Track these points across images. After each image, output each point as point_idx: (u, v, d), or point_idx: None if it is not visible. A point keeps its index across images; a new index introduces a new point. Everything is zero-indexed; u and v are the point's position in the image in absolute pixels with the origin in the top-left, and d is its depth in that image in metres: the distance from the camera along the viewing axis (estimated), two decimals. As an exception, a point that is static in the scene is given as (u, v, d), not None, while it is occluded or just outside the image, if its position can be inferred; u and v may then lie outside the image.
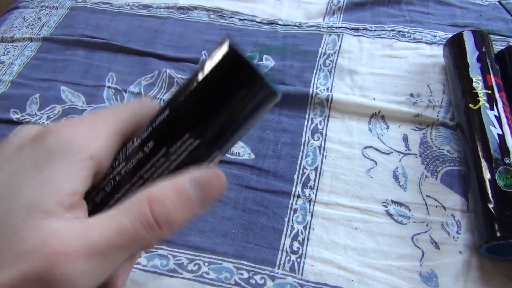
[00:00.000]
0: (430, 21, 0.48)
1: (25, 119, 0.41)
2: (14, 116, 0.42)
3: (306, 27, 0.49)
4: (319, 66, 0.44)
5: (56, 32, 0.51)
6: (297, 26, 0.49)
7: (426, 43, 0.46)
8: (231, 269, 0.32)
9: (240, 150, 0.38)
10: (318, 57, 0.45)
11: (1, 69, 0.47)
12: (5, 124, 0.41)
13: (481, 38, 0.40)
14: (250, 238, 0.33)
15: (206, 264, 0.32)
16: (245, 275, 0.31)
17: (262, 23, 0.50)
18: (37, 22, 0.53)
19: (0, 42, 0.51)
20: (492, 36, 0.44)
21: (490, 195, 0.30)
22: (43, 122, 0.41)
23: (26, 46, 0.49)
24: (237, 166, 0.37)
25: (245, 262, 0.32)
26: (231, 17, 0.51)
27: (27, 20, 0.53)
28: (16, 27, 0.53)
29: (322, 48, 0.46)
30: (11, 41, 0.51)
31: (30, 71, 0.46)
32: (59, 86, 0.44)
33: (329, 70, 0.44)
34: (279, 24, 0.49)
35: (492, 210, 0.30)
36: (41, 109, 0.42)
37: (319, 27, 0.48)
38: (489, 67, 0.38)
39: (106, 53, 0.47)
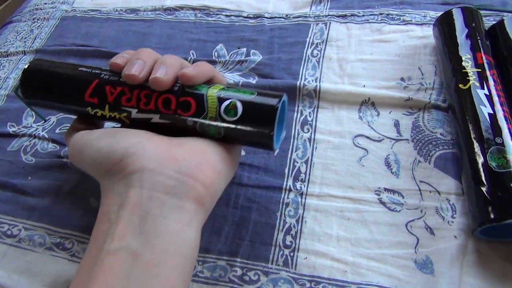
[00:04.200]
0: (420, 1, 0.47)
1: (21, 131, 0.42)
2: (11, 129, 0.43)
3: (293, 17, 0.48)
4: (307, 57, 0.44)
5: (48, 43, 0.51)
6: (284, 18, 0.48)
7: (416, 24, 0.45)
8: (225, 266, 0.32)
9: (231, 147, 0.38)
10: (305, 48, 0.44)
11: (-3, 84, 0.48)
12: (2, 137, 0.42)
13: (470, 15, 0.39)
14: (243, 234, 0.33)
15: (200, 263, 0.32)
16: (239, 272, 0.31)
17: (249, 17, 0.49)
18: (30, 35, 0.53)
19: (-4, 58, 0.52)
20: (484, 11, 0.43)
21: (482, 177, 0.30)
22: (39, 134, 0.42)
23: (20, 60, 0.50)
24: (228, 164, 0.37)
25: (238, 259, 0.32)
26: (218, 14, 0.50)
27: (20, 33, 0.54)
28: (10, 41, 0.54)
29: (310, 38, 0.45)
30: (5, 56, 0.52)
31: (25, 84, 0.47)
32: (52, 96, 0.45)
33: (317, 60, 0.43)
34: (266, 17, 0.49)
35: (485, 192, 0.29)
36: (36, 121, 0.43)
37: (306, 17, 0.48)
38: (479, 44, 0.36)
39: (96, 60, 0.48)
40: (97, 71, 0.29)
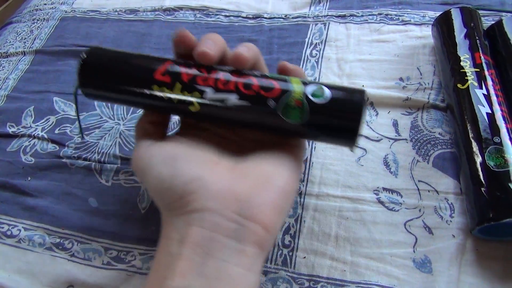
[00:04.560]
0: (418, 1, 0.47)
1: (20, 132, 0.42)
2: (11, 130, 0.43)
3: (292, 18, 0.48)
4: (306, 57, 0.44)
5: (48, 44, 0.51)
6: (283, 18, 0.48)
7: (415, 24, 0.45)
8: (224, 266, 0.32)
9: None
10: (304, 48, 0.45)
11: (-3, 85, 0.48)
12: (2, 138, 0.42)
13: (469, 15, 0.39)
14: (242, 234, 0.33)
15: (200, 262, 0.32)
16: (238, 271, 0.31)
17: (248, 18, 0.49)
18: (30, 36, 0.54)
19: (-4, 58, 0.52)
20: (483, 11, 0.43)
21: (481, 177, 0.30)
22: (38, 134, 0.42)
23: (19, 60, 0.51)
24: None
25: (237, 259, 0.32)
26: (217, 15, 0.51)
27: (20, 34, 0.54)
28: (10, 42, 0.54)
29: (309, 38, 0.45)
30: (5, 56, 0.52)
31: (24, 84, 0.47)
32: (52, 97, 0.45)
33: (316, 60, 0.43)
34: (265, 18, 0.49)
35: (483, 191, 0.29)
36: (36, 121, 0.43)
37: (305, 17, 0.48)
38: (478, 44, 0.36)
39: (96, 61, 0.48)
40: (168, 58, 0.28)
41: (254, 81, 0.26)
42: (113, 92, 0.29)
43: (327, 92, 0.25)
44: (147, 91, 0.27)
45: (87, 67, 0.29)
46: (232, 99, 0.26)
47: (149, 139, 0.28)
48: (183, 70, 0.27)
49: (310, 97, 0.25)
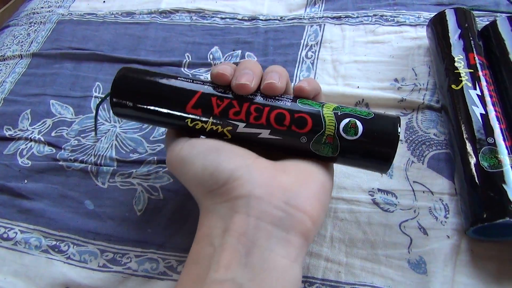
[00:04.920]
0: (413, 2, 0.47)
1: (17, 134, 0.43)
2: (7, 133, 0.43)
3: (288, 20, 0.48)
4: (301, 59, 0.44)
5: (45, 47, 0.52)
6: (278, 20, 0.48)
7: (410, 25, 0.45)
8: (220, 268, 0.32)
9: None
10: (300, 50, 0.45)
11: (-6, 88, 0.48)
12: (-1, 141, 0.43)
13: (463, 16, 0.39)
14: (237, 236, 0.33)
15: (195, 264, 0.32)
16: (233, 273, 0.31)
17: (244, 20, 0.49)
18: (27, 39, 0.54)
19: (-7, 62, 0.52)
20: (477, 12, 0.43)
21: (475, 178, 0.30)
22: (35, 137, 0.42)
23: (17, 63, 0.51)
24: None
25: (233, 261, 0.32)
26: (213, 17, 0.51)
27: (17, 37, 0.55)
28: (7, 45, 0.54)
29: (304, 40, 0.46)
30: (2, 60, 0.52)
31: (21, 88, 0.48)
32: (48, 100, 0.45)
33: (312, 61, 0.43)
34: (261, 20, 0.49)
35: (477, 192, 0.29)
36: (32, 124, 0.43)
37: (301, 18, 0.48)
38: (472, 45, 0.37)
39: (92, 64, 0.48)
40: (199, 82, 0.28)
41: (287, 115, 0.26)
42: (143, 115, 0.29)
43: (360, 127, 0.25)
44: (178, 120, 0.27)
45: (119, 89, 0.28)
46: (264, 133, 0.26)
47: (185, 137, 0.28)
48: (215, 102, 0.27)
49: (342, 133, 0.25)
